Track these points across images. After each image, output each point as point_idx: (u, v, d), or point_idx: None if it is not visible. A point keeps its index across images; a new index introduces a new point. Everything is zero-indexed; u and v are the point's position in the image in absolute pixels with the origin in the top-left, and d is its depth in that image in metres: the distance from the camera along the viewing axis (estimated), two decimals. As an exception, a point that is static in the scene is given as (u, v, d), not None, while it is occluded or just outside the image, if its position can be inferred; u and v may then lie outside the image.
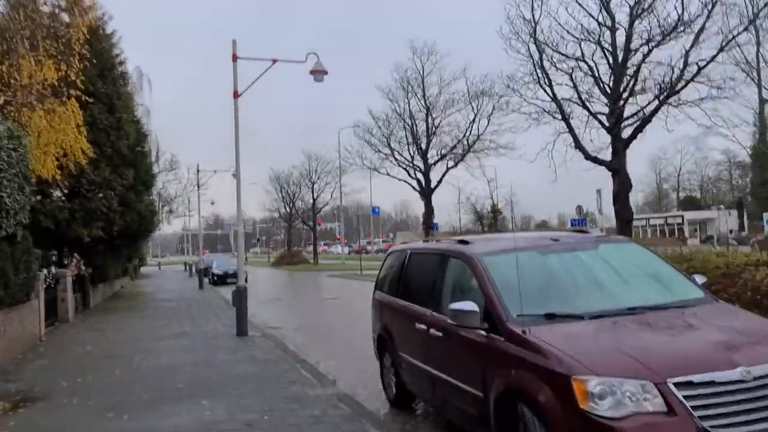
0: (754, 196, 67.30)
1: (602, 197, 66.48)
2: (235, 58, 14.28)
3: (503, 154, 29.47)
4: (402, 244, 8.43)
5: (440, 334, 5.93)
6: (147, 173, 23.95)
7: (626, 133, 17.83)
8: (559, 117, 18.60)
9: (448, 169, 30.59)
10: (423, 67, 30.95)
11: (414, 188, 31.54)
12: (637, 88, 16.87)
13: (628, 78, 17.24)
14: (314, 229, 62.09)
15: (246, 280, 36.25)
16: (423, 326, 6.32)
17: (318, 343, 13.03)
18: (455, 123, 30.69)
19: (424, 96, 30.99)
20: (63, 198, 21.52)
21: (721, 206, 72.92)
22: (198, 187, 33.95)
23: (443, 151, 30.74)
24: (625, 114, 17.43)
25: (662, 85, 16.05)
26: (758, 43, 30.96)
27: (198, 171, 34.21)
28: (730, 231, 64.23)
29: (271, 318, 18.27)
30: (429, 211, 31.15)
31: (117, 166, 21.48)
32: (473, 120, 29.83)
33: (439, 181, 30.87)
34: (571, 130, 18.44)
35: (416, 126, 31.54)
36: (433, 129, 30.85)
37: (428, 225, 30.95)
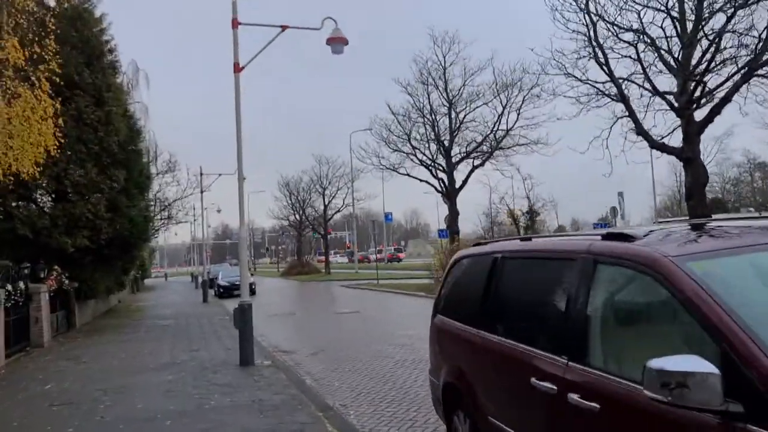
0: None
1: (624, 201, 63.21)
2: (235, 23, 11.68)
3: (534, 150, 26.78)
4: (479, 245, 5.67)
5: (595, 405, 3.21)
6: (141, 175, 21.36)
7: (699, 115, 15.07)
8: (617, 98, 15.86)
9: (474, 167, 27.85)
10: (444, 57, 28.29)
11: (436, 189, 28.80)
12: (717, 59, 14.08)
13: (703, 48, 14.48)
14: (325, 236, 59.44)
15: (254, 292, 33.67)
16: (549, 386, 3.60)
17: (343, 375, 10.30)
18: (481, 118, 28.05)
19: (446, 89, 28.33)
20: (51, 202, 19.04)
21: (751, 208, 69.76)
22: (201, 191, 31.38)
23: (469, 148, 28.04)
24: (700, 92, 14.66)
25: (754, 54, 13.27)
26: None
27: (201, 174, 31.67)
28: (762, 233, 61.00)
29: (283, 338, 15.58)
30: (454, 214, 28.36)
31: (106, 165, 18.92)
32: (501, 113, 27.15)
33: (465, 181, 28.11)
34: (631, 114, 15.72)
35: (437, 122, 28.89)
36: (457, 124, 28.17)
37: (453, 229, 28.20)
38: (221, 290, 34.31)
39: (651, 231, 3.65)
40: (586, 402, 3.26)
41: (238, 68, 11.59)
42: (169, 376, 10.19)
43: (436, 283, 27.57)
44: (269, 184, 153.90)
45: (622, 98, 15.63)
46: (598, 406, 3.19)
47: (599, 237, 3.71)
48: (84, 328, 19.52)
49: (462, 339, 5.12)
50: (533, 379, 3.77)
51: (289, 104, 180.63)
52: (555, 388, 3.54)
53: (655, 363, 2.55)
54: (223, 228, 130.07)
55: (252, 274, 37.98)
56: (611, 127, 16.18)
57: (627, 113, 15.72)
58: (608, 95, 16.04)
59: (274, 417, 7.23)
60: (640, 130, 15.53)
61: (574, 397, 3.36)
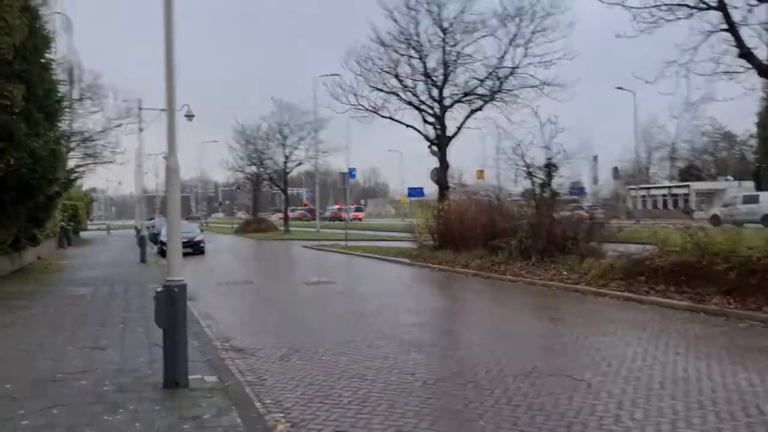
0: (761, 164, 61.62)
1: (598, 164, 59.12)
2: None
3: (545, 93, 22.38)
4: None
5: None
6: (49, 96, 16.09)
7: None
8: (713, 5, 11.54)
9: (472, 111, 23.34)
10: (440, -24, 23.43)
11: (426, 137, 24.24)
12: None
13: None
14: (285, 191, 54.35)
15: (202, 251, 28.71)
16: None
17: (345, 415, 5.87)
18: (482, 52, 23.42)
19: (439, 15, 23.57)
20: None
21: (729, 177, 67.64)
22: (140, 129, 26.07)
23: (466, 88, 23.46)
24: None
25: None
26: None
27: (140, 108, 26.26)
28: (742, 203, 58.79)
29: (237, 323, 11.08)
30: (443, 167, 23.91)
31: (-6, 77, 13.74)
32: (507, 48, 22.54)
33: (459, 128, 23.66)
34: (731, 27, 11.42)
35: (425, 57, 24.11)
36: (453, 59, 23.50)
37: (443, 184, 23.79)
38: (164, 248, 29.29)
39: None
40: None
41: None
42: (24, 420, 5.57)
43: (421, 249, 23.33)
44: (225, 133, 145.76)
45: (721, 5, 11.29)
46: None
47: None
48: (-34, 297, 14.54)
49: None
50: None
51: (252, 46, 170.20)
52: None
53: None
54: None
55: (201, 231, 33.06)
56: (697, 47, 11.88)
57: (726, 26, 11.40)
58: (700, 6, 11.68)
59: None
60: (744, 51, 11.25)
61: None
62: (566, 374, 6.97)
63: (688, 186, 61.58)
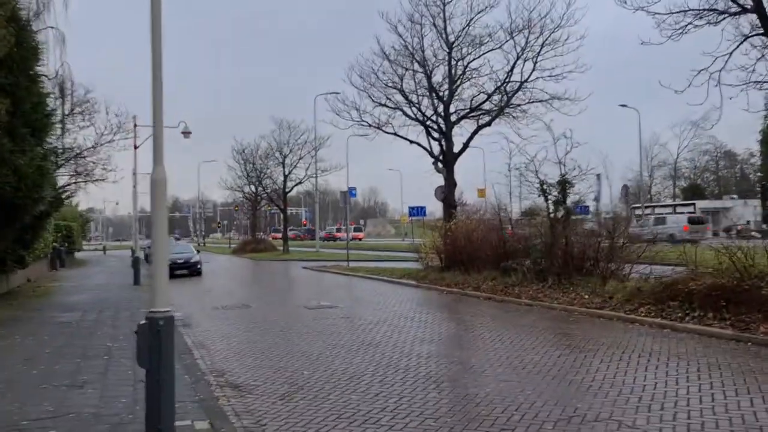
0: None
1: (602, 183, 58.68)
2: None
3: (554, 108, 21.61)
4: None
5: None
6: (37, 111, 15.22)
7: None
8: (749, 7, 10.76)
9: (479, 126, 22.56)
10: (446, -11, 22.78)
11: (431, 153, 23.39)
12: None
13: None
14: (285, 210, 53.47)
15: (199, 273, 27.72)
16: None
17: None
18: (488, 66, 22.70)
19: (445, 29, 22.86)
20: None
21: (734, 196, 66.93)
22: (135, 147, 25.17)
23: (473, 103, 22.69)
24: None
25: None
26: None
27: (135, 125, 25.39)
28: (747, 222, 58.15)
29: (232, 354, 10.10)
30: (450, 184, 23.03)
31: (-24, 89, 12.88)
32: (516, 61, 21.81)
33: (466, 144, 22.83)
34: (768, 31, 10.59)
35: (431, 71, 23.36)
36: (459, 74, 22.76)
37: (449, 203, 22.89)
38: (160, 269, 28.22)
39: None
40: None
41: None
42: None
43: (427, 270, 22.34)
44: (224, 153, 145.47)
45: (758, 7, 10.49)
46: None
47: None
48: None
49: None
50: None
51: (251, 66, 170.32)
52: None
53: None
54: (172, 201, 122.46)
55: (198, 251, 32.07)
56: (731, 53, 11.07)
57: (763, 30, 10.59)
58: (730, 11, 10.89)
59: None
60: (784, 57, 10.42)
61: None
62: (614, 419, 6.01)
63: (693, 204, 60.73)
